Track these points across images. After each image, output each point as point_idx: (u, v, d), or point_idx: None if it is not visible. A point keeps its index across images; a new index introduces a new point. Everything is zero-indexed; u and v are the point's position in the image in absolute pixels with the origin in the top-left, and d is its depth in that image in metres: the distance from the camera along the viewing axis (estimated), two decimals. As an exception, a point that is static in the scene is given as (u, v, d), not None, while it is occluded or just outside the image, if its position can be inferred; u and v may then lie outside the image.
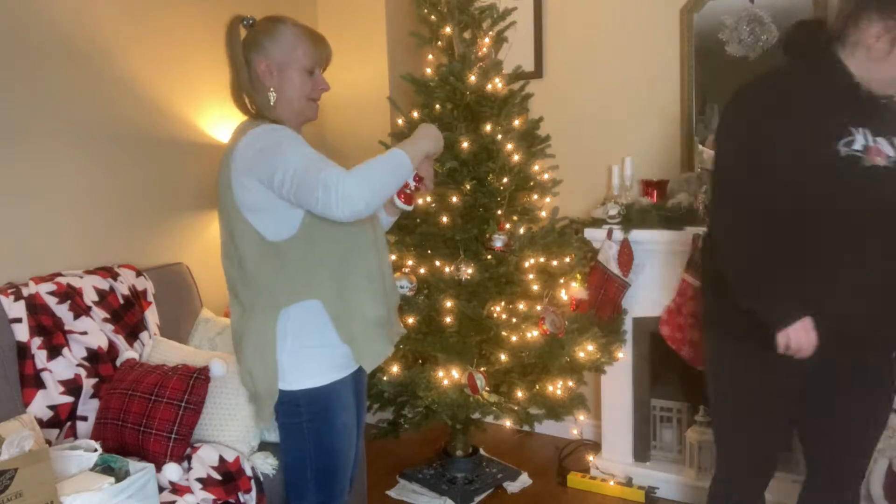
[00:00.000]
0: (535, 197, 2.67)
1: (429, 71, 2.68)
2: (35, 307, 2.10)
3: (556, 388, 2.57)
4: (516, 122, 2.62)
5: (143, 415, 1.98)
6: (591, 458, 2.99)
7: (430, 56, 2.72)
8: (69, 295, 2.18)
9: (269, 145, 1.51)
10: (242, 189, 1.53)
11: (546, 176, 2.69)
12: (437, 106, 2.63)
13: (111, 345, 2.22)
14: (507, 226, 2.52)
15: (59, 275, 2.24)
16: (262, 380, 1.64)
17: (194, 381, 2.03)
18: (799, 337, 1.57)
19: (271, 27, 1.62)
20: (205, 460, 1.97)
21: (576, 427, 3.24)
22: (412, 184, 1.71)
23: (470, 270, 2.46)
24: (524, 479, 2.90)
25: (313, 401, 1.65)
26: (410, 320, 2.53)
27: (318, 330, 1.62)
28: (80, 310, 2.19)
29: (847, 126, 1.58)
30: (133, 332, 2.32)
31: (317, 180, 1.43)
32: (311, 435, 1.68)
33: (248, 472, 1.99)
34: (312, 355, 1.63)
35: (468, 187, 2.54)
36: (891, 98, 1.64)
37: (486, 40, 2.63)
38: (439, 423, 2.64)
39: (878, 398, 1.73)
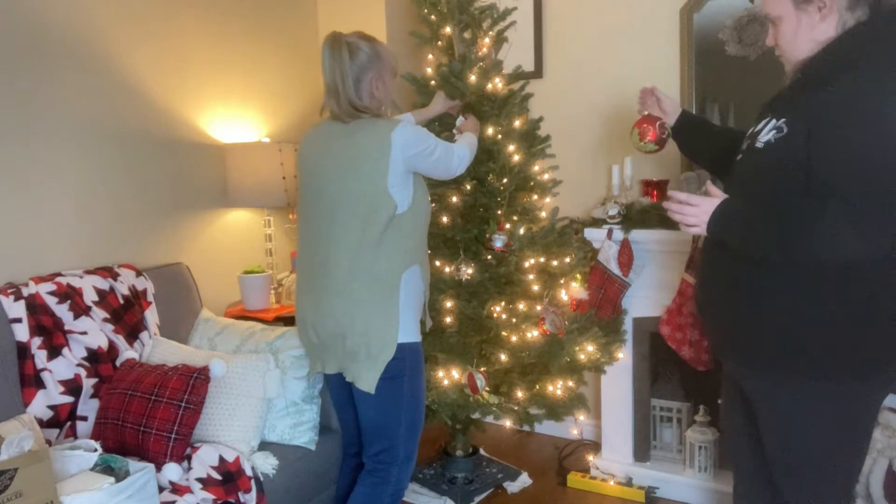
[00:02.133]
0: (535, 197, 2.67)
1: (429, 70, 2.68)
2: (35, 307, 2.10)
3: (556, 388, 2.56)
4: (516, 123, 2.62)
5: (143, 415, 1.98)
6: (591, 458, 2.99)
7: (431, 56, 2.72)
8: (69, 295, 2.18)
9: (419, 134, 1.93)
10: (397, 166, 1.86)
11: (546, 176, 2.69)
12: (437, 106, 2.63)
13: (111, 345, 2.22)
14: (507, 226, 2.52)
15: (59, 275, 2.25)
16: (382, 338, 1.88)
17: (194, 381, 2.03)
18: None
19: (374, 51, 1.93)
20: (205, 460, 1.97)
21: (576, 427, 3.24)
22: None
23: (470, 270, 2.46)
24: (524, 479, 2.90)
25: (413, 354, 1.96)
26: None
27: (417, 289, 1.96)
28: (80, 310, 2.19)
29: (759, 115, 1.66)
30: (133, 332, 2.32)
31: (454, 155, 2.03)
32: (408, 386, 1.95)
33: (248, 472, 1.99)
34: (413, 314, 1.96)
35: (468, 187, 2.54)
36: (798, 80, 1.58)
37: (487, 40, 2.63)
38: (439, 423, 2.63)
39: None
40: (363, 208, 1.87)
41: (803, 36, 1.53)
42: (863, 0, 1.49)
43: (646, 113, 2.13)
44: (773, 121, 1.55)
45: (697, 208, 1.57)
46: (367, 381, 1.89)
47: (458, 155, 2.05)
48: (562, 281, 2.63)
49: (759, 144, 1.56)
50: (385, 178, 1.85)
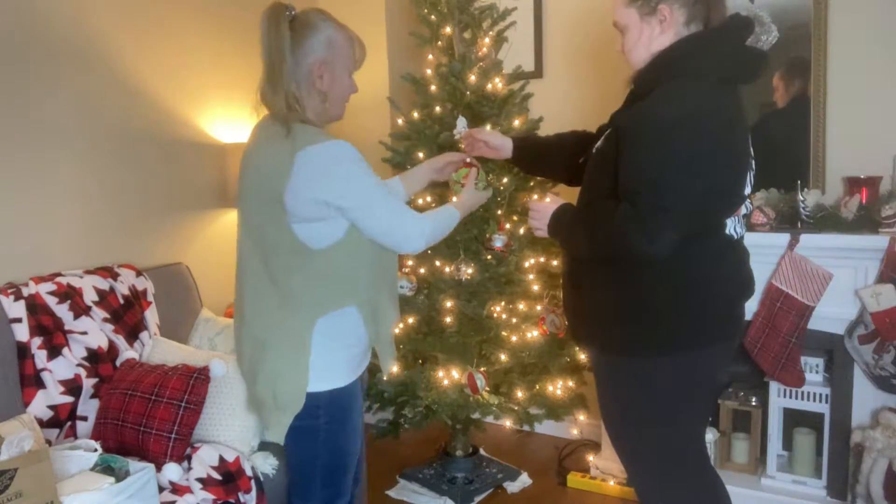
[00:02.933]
0: (535, 197, 2.67)
1: (429, 71, 2.68)
2: (35, 307, 2.10)
3: (556, 388, 2.57)
4: (516, 122, 2.62)
5: (143, 415, 1.98)
6: (591, 458, 2.99)
7: (430, 56, 2.72)
8: (69, 295, 2.18)
9: (342, 173, 1.52)
10: (297, 202, 1.50)
11: (546, 176, 2.69)
12: (437, 107, 2.63)
13: (111, 345, 2.22)
14: (507, 226, 2.52)
15: (59, 275, 2.24)
16: (290, 389, 1.60)
17: (194, 381, 2.03)
18: None
19: (320, 27, 1.58)
20: (205, 460, 1.97)
21: (576, 427, 3.24)
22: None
23: (470, 270, 2.46)
24: (524, 479, 2.90)
25: (334, 402, 1.66)
26: (410, 320, 2.53)
27: (349, 332, 1.65)
28: (80, 310, 2.19)
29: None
30: (133, 332, 2.32)
31: (401, 232, 1.61)
32: (325, 436, 1.67)
33: (248, 472, 1.99)
34: (340, 357, 1.65)
35: (468, 187, 2.54)
36: (630, 91, 1.74)
37: (486, 40, 2.63)
38: (439, 423, 2.64)
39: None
40: (265, 238, 1.58)
41: (642, 47, 1.62)
42: (698, 17, 1.58)
43: (467, 160, 1.99)
44: (609, 129, 1.68)
45: (539, 213, 1.74)
46: (274, 431, 1.65)
47: (413, 225, 1.61)
48: (562, 281, 2.63)
49: (594, 151, 1.70)
50: (282, 212, 1.50)
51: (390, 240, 1.61)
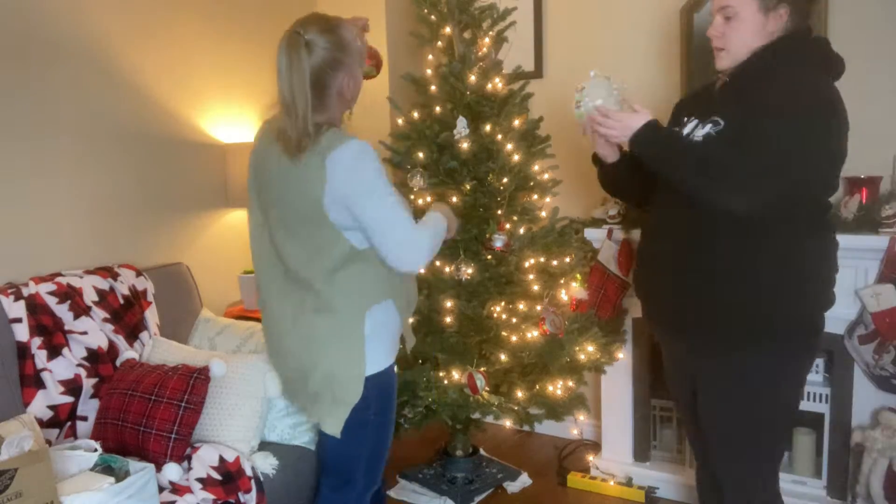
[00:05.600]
0: (535, 197, 2.67)
1: (429, 71, 2.68)
2: (35, 307, 2.10)
3: (556, 388, 2.56)
4: (516, 122, 2.62)
5: (143, 415, 1.98)
6: (591, 458, 2.99)
7: (430, 56, 2.71)
8: (69, 295, 2.18)
9: (367, 167, 1.58)
10: (338, 211, 1.58)
11: (546, 176, 2.69)
12: (437, 107, 2.63)
13: (111, 345, 2.22)
14: (507, 226, 2.52)
15: (59, 275, 2.25)
16: (349, 382, 1.67)
17: (194, 381, 2.03)
18: None
19: (337, 34, 1.60)
20: (205, 460, 1.97)
21: (576, 427, 3.24)
22: None
23: (470, 270, 2.46)
24: (524, 479, 2.90)
25: (380, 384, 1.73)
26: (410, 320, 2.53)
27: (391, 322, 1.75)
28: (80, 310, 2.19)
29: (683, 117, 1.83)
30: (133, 332, 2.32)
31: (414, 234, 1.63)
32: (373, 424, 1.76)
33: (248, 472, 1.99)
34: (382, 345, 1.74)
35: (468, 187, 2.54)
36: (722, 85, 1.77)
37: (486, 40, 2.63)
38: (439, 423, 2.63)
39: None
40: (309, 240, 1.63)
41: (748, 38, 1.66)
42: (798, 25, 1.68)
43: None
44: (697, 121, 1.73)
45: (620, 123, 1.74)
46: (332, 425, 1.70)
47: (422, 239, 1.64)
48: (562, 281, 2.63)
49: (697, 138, 1.71)
50: (324, 217, 1.58)
51: (398, 250, 1.61)
